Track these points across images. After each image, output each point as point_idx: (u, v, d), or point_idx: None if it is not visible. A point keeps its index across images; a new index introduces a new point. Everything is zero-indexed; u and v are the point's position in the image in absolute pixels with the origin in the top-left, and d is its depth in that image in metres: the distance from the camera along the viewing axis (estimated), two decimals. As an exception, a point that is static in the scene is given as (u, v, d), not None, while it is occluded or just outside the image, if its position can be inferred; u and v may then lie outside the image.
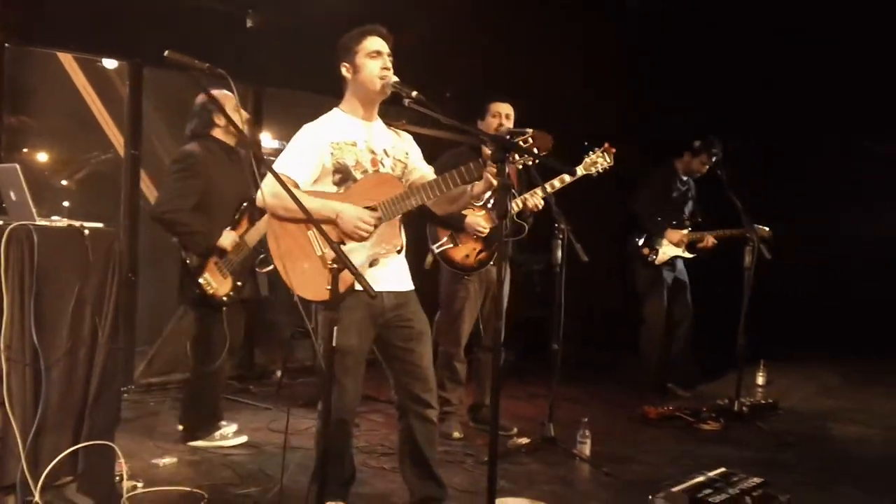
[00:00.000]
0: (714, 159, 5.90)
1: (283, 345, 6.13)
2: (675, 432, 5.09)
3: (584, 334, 6.66)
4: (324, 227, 2.93)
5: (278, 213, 3.10)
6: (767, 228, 5.58)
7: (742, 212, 5.42)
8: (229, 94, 4.00)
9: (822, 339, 8.16)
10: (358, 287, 2.80)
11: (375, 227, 3.11)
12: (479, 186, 3.14)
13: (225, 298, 4.28)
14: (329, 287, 2.69)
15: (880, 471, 4.53)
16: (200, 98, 4.37)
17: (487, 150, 2.99)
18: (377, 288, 2.78)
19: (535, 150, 2.90)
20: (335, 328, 2.70)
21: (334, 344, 2.76)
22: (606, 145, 4.49)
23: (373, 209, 3.12)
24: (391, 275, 3.23)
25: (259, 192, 3.10)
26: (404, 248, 3.27)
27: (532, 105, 4.99)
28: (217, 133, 4.37)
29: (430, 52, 6.26)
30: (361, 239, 3.08)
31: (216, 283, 4.26)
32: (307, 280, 3.06)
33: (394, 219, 3.16)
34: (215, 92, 4.36)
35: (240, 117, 4.19)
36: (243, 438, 4.55)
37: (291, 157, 3.17)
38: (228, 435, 4.50)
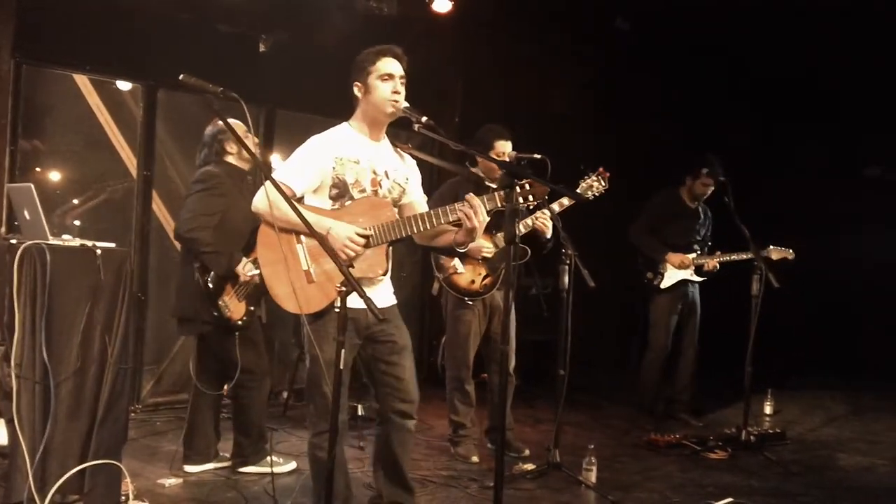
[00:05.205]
0: (714, 178, 5.90)
1: (289, 366, 6.14)
2: (682, 461, 5.05)
3: (590, 359, 6.64)
4: (312, 242, 3.03)
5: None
6: (791, 250, 5.63)
7: (750, 239, 5.41)
8: (239, 122, 3.97)
9: (830, 367, 8.14)
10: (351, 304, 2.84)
11: (364, 248, 3.13)
12: (460, 235, 3.17)
13: (240, 322, 4.23)
14: (315, 303, 2.96)
15: (887, 501, 4.49)
16: (210, 128, 4.35)
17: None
18: (362, 304, 2.78)
19: (530, 197, 2.96)
20: (342, 351, 2.73)
21: (320, 356, 2.93)
22: (601, 170, 4.62)
23: (364, 232, 3.14)
24: (376, 292, 3.24)
25: (257, 198, 3.14)
26: (389, 272, 3.30)
27: (532, 128, 5.02)
28: (230, 159, 4.34)
29: (438, 78, 6.32)
30: (348, 258, 3.10)
31: (233, 306, 4.22)
32: (290, 293, 3.11)
33: (382, 245, 3.19)
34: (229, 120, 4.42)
35: (252, 143, 4.17)
36: (292, 465, 4.46)
37: (292, 168, 3.19)
38: (280, 461, 4.41)
